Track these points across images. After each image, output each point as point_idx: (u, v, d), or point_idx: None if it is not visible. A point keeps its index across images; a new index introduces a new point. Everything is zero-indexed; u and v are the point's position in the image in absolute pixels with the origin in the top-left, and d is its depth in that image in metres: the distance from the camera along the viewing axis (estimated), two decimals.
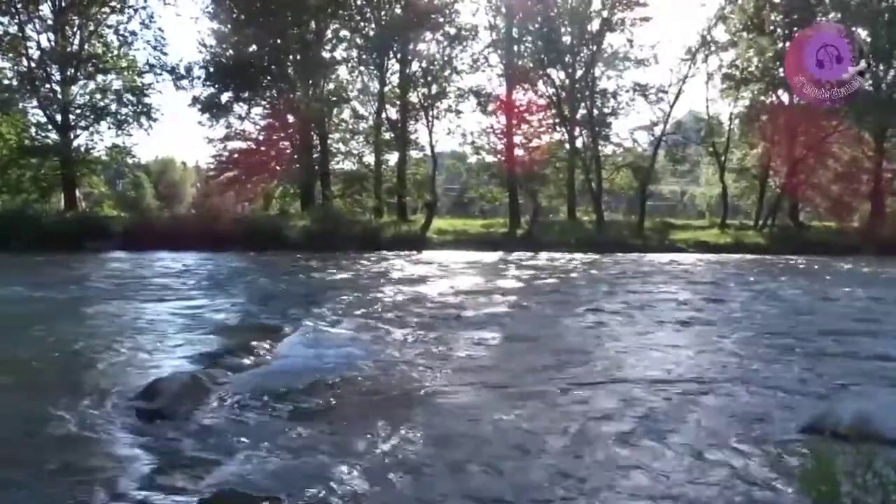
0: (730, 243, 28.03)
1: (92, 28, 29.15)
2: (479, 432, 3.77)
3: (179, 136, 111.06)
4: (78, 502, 2.82)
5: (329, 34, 32.56)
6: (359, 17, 32.34)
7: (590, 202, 35.38)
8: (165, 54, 31.20)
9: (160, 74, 30.38)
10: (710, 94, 40.41)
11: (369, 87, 34.39)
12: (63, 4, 27.99)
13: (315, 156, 31.70)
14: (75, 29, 28.78)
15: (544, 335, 7.10)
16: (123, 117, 29.72)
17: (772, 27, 33.85)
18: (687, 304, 9.73)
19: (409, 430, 3.79)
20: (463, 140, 36.24)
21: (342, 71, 34.04)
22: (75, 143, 29.00)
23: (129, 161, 33.82)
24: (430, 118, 33.25)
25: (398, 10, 32.24)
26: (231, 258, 18.55)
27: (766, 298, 10.59)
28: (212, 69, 30.29)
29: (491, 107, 34.27)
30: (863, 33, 29.53)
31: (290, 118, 30.59)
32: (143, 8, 29.67)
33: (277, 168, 31.47)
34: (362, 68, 33.96)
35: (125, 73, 29.86)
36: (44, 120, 28.80)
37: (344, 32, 33.00)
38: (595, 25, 33.56)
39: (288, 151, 31.15)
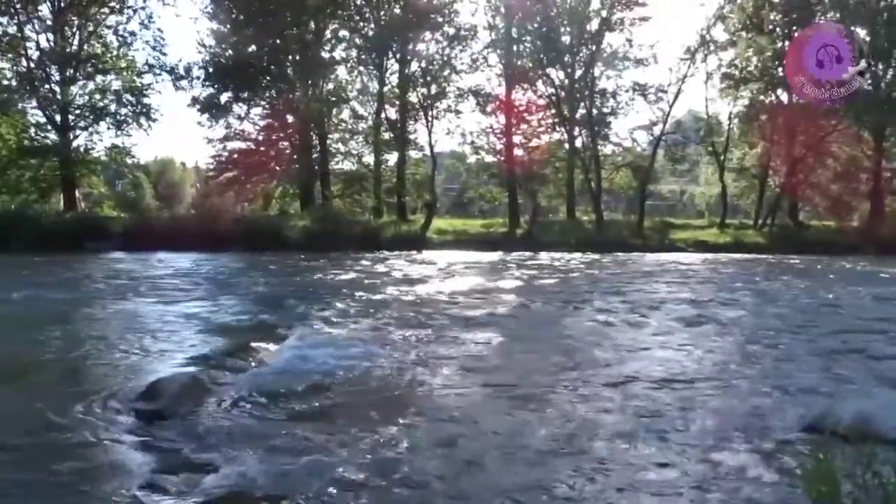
0: (729, 243, 28.06)
1: (91, 28, 29.18)
2: (480, 432, 3.77)
3: (179, 137, 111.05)
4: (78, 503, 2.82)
5: (328, 34, 32.58)
6: (358, 17, 32.36)
7: (589, 202, 35.42)
8: (165, 55, 31.31)
9: (159, 75, 30.47)
10: (710, 94, 40.61)
11: (368, 87, 34.46)
12: (62, 5, 28.00)
13: (314, 156, 31.72)
14: (74, 29, 28.80)
15: (544, 335, 7.10)
16: (123, 118, 29.78)
17: (771, 26, 33.88)
18: (686, 303, 9.73)
19: (409, 430, 3.79)
20: (462, 140, 36.32)
21: (341, 71, 34.13)
22: (75, 144, 29.06)
23: (129, 161, 33.87)
24: (430, 118, 33.30)
25: (397, 10, 32.27)
26: (231, 258, 18.55)
27: (766, 298, 10.59)
28: (211, 69, 30.32)
29: (490, 107, 34.31)
30: (861, 32, 29.53)
31: (290, 118, 30.60)
32: (143, 8, 29.78)
33: (277, 168, 31.49)
34: (361, 68, 34.01)
35: (124, 73, 29.88)
36: (43, 120, 28.89)
37: (343, 32, 33.03)
38: (594, 25, 33.63)
39: (287, 152, 31.17)
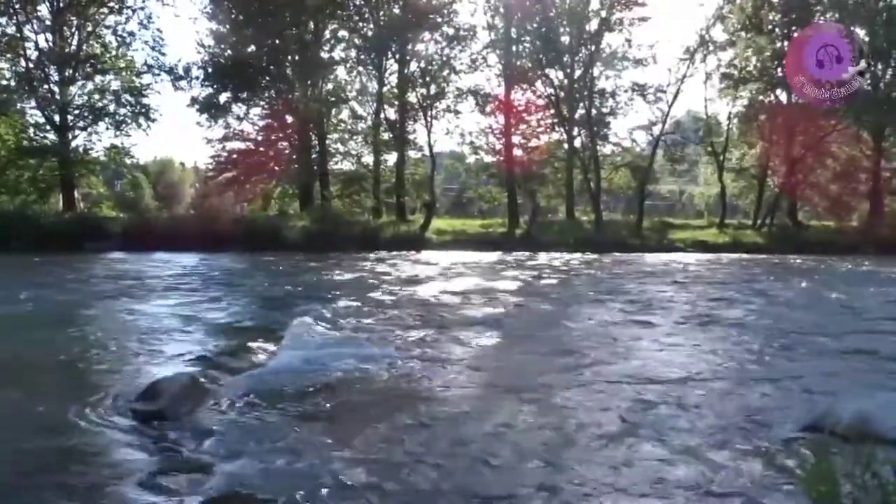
0: (728, 243, 28.09)
1: (90, 28, 29.17)
2: (479, 432, 3.77)
3: (178, 137, 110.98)
4: None
5: (327, 34, 32.59)
6: (357, 18, 32.36)
7: (588, 202, 35.44)
8: (164, 55, 31.25)
9: (158, 75, 30.47)
10: (709, 94, 40.75)
11: (368, 88, 34.46)
12: (61, 5, 27.99)
13: (314, 156, 31.72)
14: (73, 29, 28.79)
15: (544, 335, 7.10)
16: (122, 118, 29.77)
17: (770, 27, 33.90)
18: (686, 303, 9.73)
19: (409, 430, 3.79)
20: (461, 140, 36.34)
21: (341, 71, 34.13)
22: (74, 144, 29.06)
23: (128, 161, 33.88)
24: (429, 118, 33.32)
25: (397, 11, 32.29)
26: (230, 259, 18.54)
27: (765, 298, 10.60)
28: (210, 69, 30.32)
29: (489, 107, 34.32)
30: (861, 33, 29.56)
31: (289, 118, 30.61)
32: (142, 8, 29.75)
33: (276, 168, 31.50)
34: (361, 68, 34.02)
35: (123, 73, 29.87)
36: (42, 120, 28.87)
37: (342, 33, 33.04)
38: (593, 25, 33.64)
39: (287, 152, 31.18)
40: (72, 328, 7.11)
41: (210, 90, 30.58)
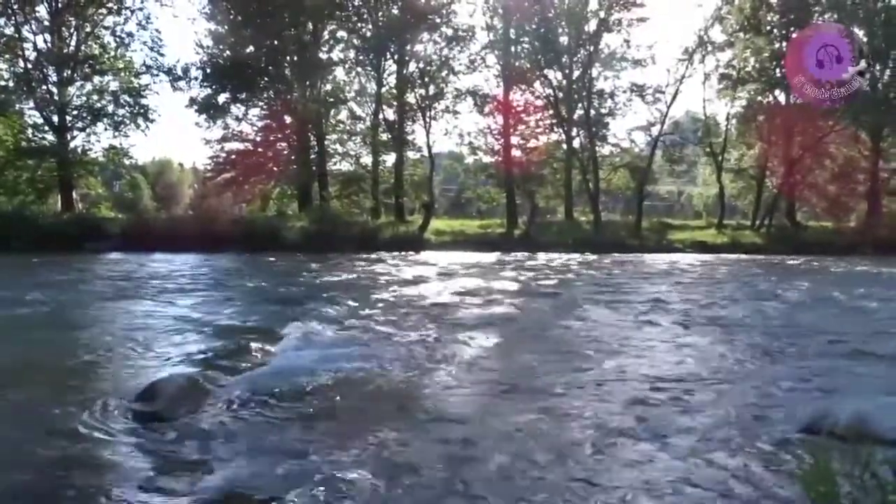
0: (727, 243, 28.11)
1: (88, 29, 29.16)
2: (478, 433, 3.77)
3: (177, 138, 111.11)
4: None
5: (326, 35, 32.58)
6: (356, 18, 32.36)
7: (587, 202, 35.47)
8: (162, 55, 31.37)
9: (157, 75, 30.51)
10: (707, 95, 40.73)
11: (366, 88, 34.48)
12: (60, 6, 27.98)
13: (312, 157, 31.70)
14: (72, 30, 28.79)
15: (543, 336, 7.10)
16: (120, 118, 29.78)
17: (768, 27, 33.93)
18: (684, 304, 9.74)
19: (408, 430, 3.79)
20: (460, 141, 36.36)
21: (339, 72, 34.16)
22: (72, 145, 29.05)
23: (127, 162, 33.91)
24: (428, 119, 33.33)
25: (395, 11, 32.28)
26: (228, 259, 18.53)
27: (764, 298, 10.60)
28: (209, 70, 30.33)
29: (488, 107, 34.31)
30: (859, 33, 29.58)
31: (288, 119, 30.61)
32: (140, 9, 29.74)
33: (275, 169, 31.50)
34: (359, 69, 34.03)
35: (122, 74, 29.86)
36: (40, 121, 28.87)
37: (341, 33, 33.03)
38: (592, 26, 33.66)
39: (285, 152, 31.19)
40: (70, 329, 7.11)
41: (209, 91, 30.61)
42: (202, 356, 5.64)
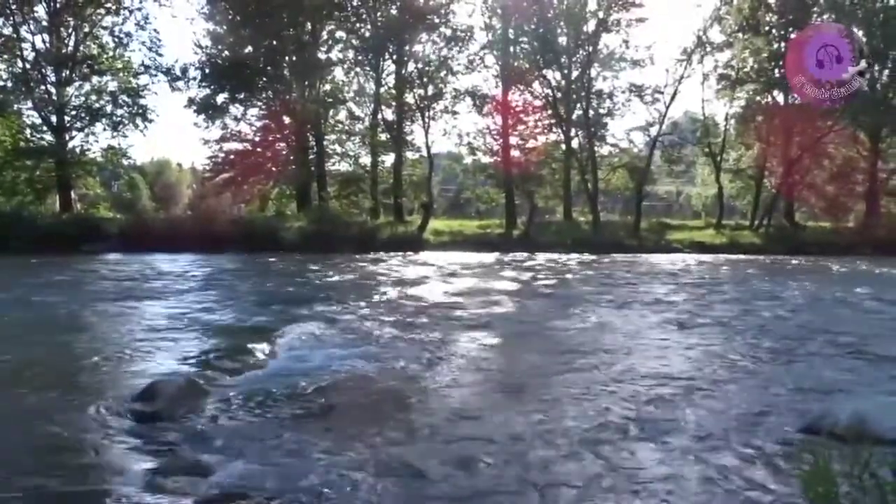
0: (725, 244, 28.08)
1: (87, 29, 29.09)
2: (478, 433, 3.77)
3: (175, 138, 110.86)
4: None
5: (325, 35, 32.53)
6: (355, 19, 32.32)
7: (586, 203, 35.44)
8: (161, 55, 31.23)
9: (156, 76, 30.39)
10: (706, 95, 40.64)
11: (365, 89, 34.40)
12: (58, 6, 27.92)
13: (311, 157, 31.66)
14: (70, 30, 28.71)
15: (542, 336, 7.11)
16: (119, 119, 29.66)
17: (767, 28, 33.92)
18: (683, 304, 9.75)
19: (406, 430, 3.79)
20: (459, 141, 36.27)
21: (338, 72, 34.06)
22: (70, 145, 28.93)
23: (125, 162, 33.84)
24: (427, 119, 33.27)
25: (394, 11, 32.24)
26: (227, 260, 18.52)
27: (763, 299, 10.61)
28: (207, 70, 30.26)
29: (487, 108, 34.29)
30: (857, 33, 29.55)
31: (287, 119, 30.56)
32: (139, 9, 29.59)
33: (274, 169, 31.45)
34: (358, 69, 33.96)
35: (120, 74, 29.78)
36: (39, 121, 28.74)
37: (340, 33, 32.99)
38: (591, 26, 33.62)
39: (284, 153, 31.14)
40: (70, 330, 7.10)
41: (207, 91, 30.53)
42: (201, 356, 5.64)
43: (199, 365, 5.31)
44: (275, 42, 30.09)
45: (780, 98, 33.79)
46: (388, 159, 34.66)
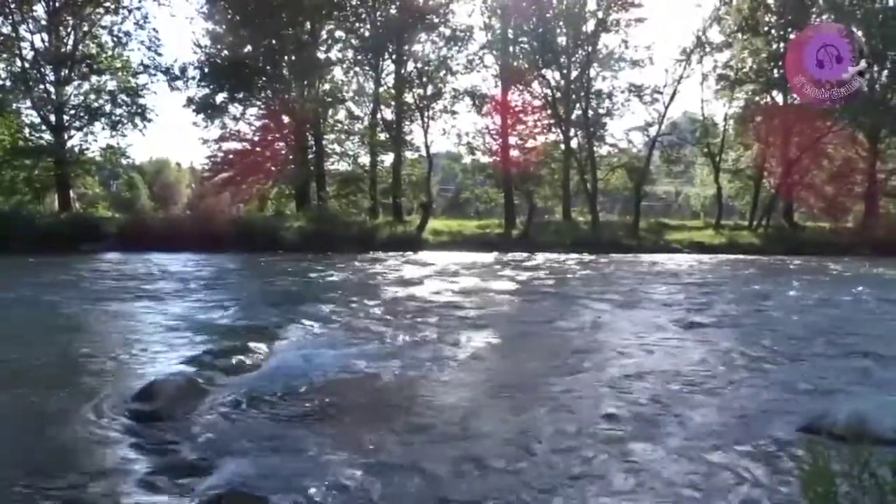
0: (724, 244, 28.08)
1: (86, 28, 29.07)
2: (477, 433, 3.77)
3: (174, 138, 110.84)
4: None
5: (324, 35, 32.52)
6: (354, 18, 32.31)
7: (585, 203, 35.47)
8: (160, 55, 31.25)
9: (155, 75, 30.37)
10: (705, 95, 40.68)
11: (364, 88, 34.39)
12: (57, 5, 27.90)
13: (310, 156, 31.65)
14: (69, 29, 28.70)
15: (541, 336, 7.11)
16: (118, 118, 29.65)
17: (766, 28, 33.95)
18: (683, 304, 9.75)
19: (406, 430, 3.79)
20: (458, 141, 36.28)
21: (337, 72, 34.05)
22: (69, 144, 28.92)
23: (124, 162, 33.82)
24: (426, 119, 33.26)
25: (394, 11, 32.23)
26: (226, 259, 18.51)
27: (761, 299, 10.61)
28: (206, 70, 30.25)
29: (486, 107, 34.29)
30: (857, 33, 29.55)
31: (286, 119, 30.56)
32: (138, 8, 29.59)
33: (273, 169, 31.44)
34: (357, 69, 33.95)
35: (119, 73, 29.76)
36: (37, 120, 28.72)
37: (339, 33, 32.98)
38: (590, 26, 33.63)
39: (283, 152, 31.13)
40: (69, 329, 7.10)
41: (206, 90, 30.52)
42: (200, 356, 5.63)
43: (198, 364, 5.31)
44: (274, 41, 30.08)
45: (780, 98, 33.82)
46: (388, 159, 34.67)
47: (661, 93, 34.29)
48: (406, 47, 32.55)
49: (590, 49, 33.64)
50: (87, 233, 22.04)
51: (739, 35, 33.93)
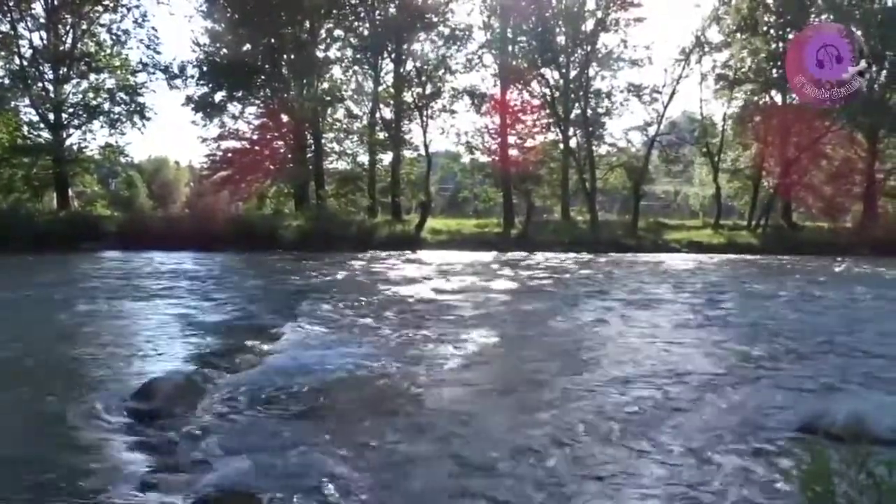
0: (723, 244, 28.09)
1: (85, 26, 29.03)
2: (476, 432, 3.77)
3: (173, 136, 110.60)
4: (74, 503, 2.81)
5: (323, 33, 32.48)
6: (353, 17, 32.29)
7: (584, 202, 35.46)
8: (159, 53, 31.15)
9: (153, 73, 30.30)
10: (704, 95, 40.53)
11: (363, 87, 34.34)
12: (56, 3, 27.86)
13: (309, 155, 31.63)
14: (68, 27, 28.66)
15: (540, 335, 7.11)
16: (116, 116, 29.60)
17: (765, 28, 33.96)
18: (681, 304, 9.75)
19: (404, 429, 3.79)
20: (457, 140, 36.23)
21: (336, 70, 34.01)
22: (68, 142, 28.86)
23: (123, 160, 33.77)
24: (425, 118, 33.23)
25: (393, 10, 32.21)
26: (225, 258, 18.50)
27: (760, 299, 10.62)
28: (205, 68, 30.21)
29: (485, 107, 34.27)
30: (857, 33, 29.54)
31: (284, 117, 30.52)
32: (137, 7, 29.53)
33: (271, 167, 31.39)
34: (356, 68, 33.92)
35: (118, 71, 29.72)
36: (36, 119, 28.66)
37: (338, 32, 32.94)
38: (589, 26, 33.61)
39: (282, 151, 31.10)
40: (68, 328, 7.09)
41: (205, 89, 30.48)
42: (199, 355, 5.64)
43: (196, 363, 5.31)
44: (273, 40, 30.05)
45: (778, 98, 33.83)
46: (386, 158, 34.63)
47: (660, 92, 34.30)
48: (405, 46, 32.52)
49: (589, 48, 33.63)
50: (86, 231, 22.02)
51: (738, 35, 33.93)
